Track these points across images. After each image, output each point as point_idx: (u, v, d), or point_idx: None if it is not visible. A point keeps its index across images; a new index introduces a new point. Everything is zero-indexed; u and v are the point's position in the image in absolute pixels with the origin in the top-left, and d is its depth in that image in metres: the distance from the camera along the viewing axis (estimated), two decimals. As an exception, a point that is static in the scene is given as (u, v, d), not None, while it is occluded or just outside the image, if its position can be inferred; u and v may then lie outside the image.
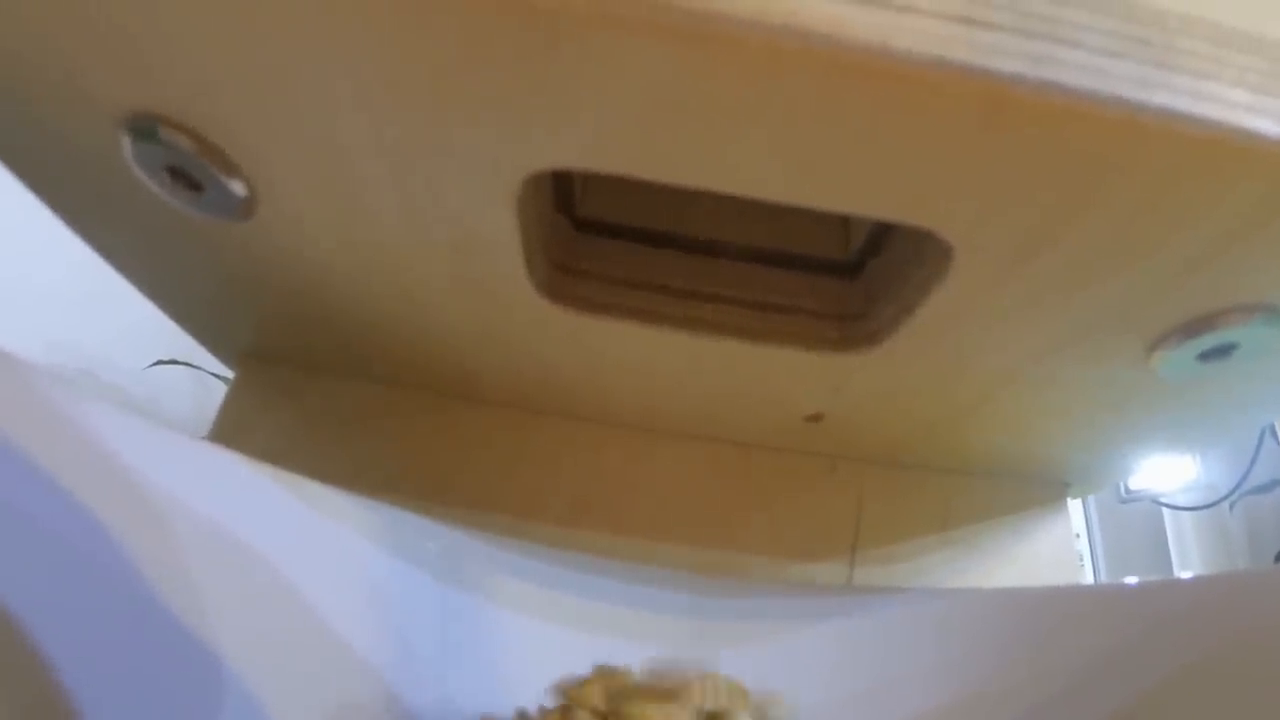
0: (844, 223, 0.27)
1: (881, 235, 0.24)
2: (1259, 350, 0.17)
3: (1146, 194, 0.13)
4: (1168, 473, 0.98)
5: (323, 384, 0.28)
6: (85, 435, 0.14)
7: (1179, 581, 0.20)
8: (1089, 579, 1.10)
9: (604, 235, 0.24)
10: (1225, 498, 0.93)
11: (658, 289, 0.23)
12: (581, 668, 0.18)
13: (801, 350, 0.22)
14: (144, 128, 0.15)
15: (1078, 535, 1.12)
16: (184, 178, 0.16)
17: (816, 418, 0.27)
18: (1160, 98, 0.12)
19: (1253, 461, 0.87)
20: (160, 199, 0.17)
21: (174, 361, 0.81)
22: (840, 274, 0.25)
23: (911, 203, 0.15)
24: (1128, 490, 1.02)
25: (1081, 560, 1.10)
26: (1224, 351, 0.17)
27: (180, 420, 0.93)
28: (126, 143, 0.15)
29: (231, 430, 0.27)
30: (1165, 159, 0.13)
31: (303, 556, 0.18)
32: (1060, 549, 0.29)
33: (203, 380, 0.92)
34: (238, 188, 0.17)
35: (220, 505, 0.16)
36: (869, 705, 0.20)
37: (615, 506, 0.28)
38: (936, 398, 0.24)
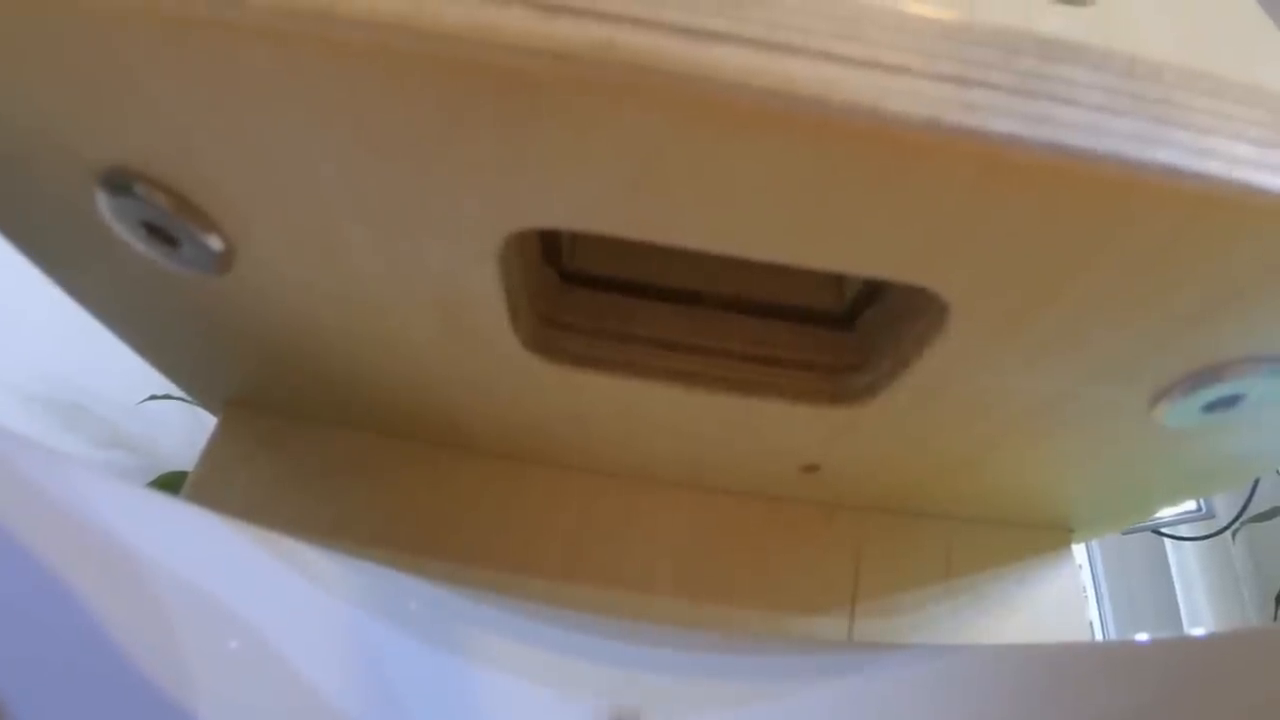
0: (838, 274, 0.26)
1: (876, 287, 0.23)
2: (1266, 400, 0.17)
3: (1148, 252, 0.13)
4: (1178, 502, 0.97)
5: (307, 433, 0.27)
6: (62, 503, 0.14)
7: (1190, 640, 0.19)
8: (1093, 610, 1.09)
9: (592, 287, 0.24)
10: (1227, 527, 0.92)
11: (647, 342, 0.23)
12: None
13: (795, 404, 0.22)
14: (119, 183, 0.14)
15: (1080, 566, 1.11)
16: (160, 232, 0.16)
17: (812, 468, 0.26)
18: (1161, 154, 0.12)
19: (1253, 491, 0.86)
20: (136, 252, 0.17)
21: (167, 396, 0.81)
22: (834, 325, 0.24)
23: (906, 263, 0.15)
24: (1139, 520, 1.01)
25: (1085, 592, 1.09)
26: (1230, 402, 0.17)
27: (173, 455, 0.92)
28: (102, 197, 0.15)
29: (213, 479, 0.26)
30: (1167, 217, 0.12)
31: (285, 620, 0.17)
32: (1066, 596, 0.28)
33: (196, 414, 0.91)
34: (214, 243, 0.16)
35: (202, 568, 0.16)
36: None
37: (608, 559, 0.27)
38: (935, 450, 0.23)
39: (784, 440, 0.24)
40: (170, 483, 0.77)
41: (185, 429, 0.93)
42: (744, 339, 0.23)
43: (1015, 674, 0.21)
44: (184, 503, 0.17)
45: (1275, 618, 0.88)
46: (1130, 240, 0.13)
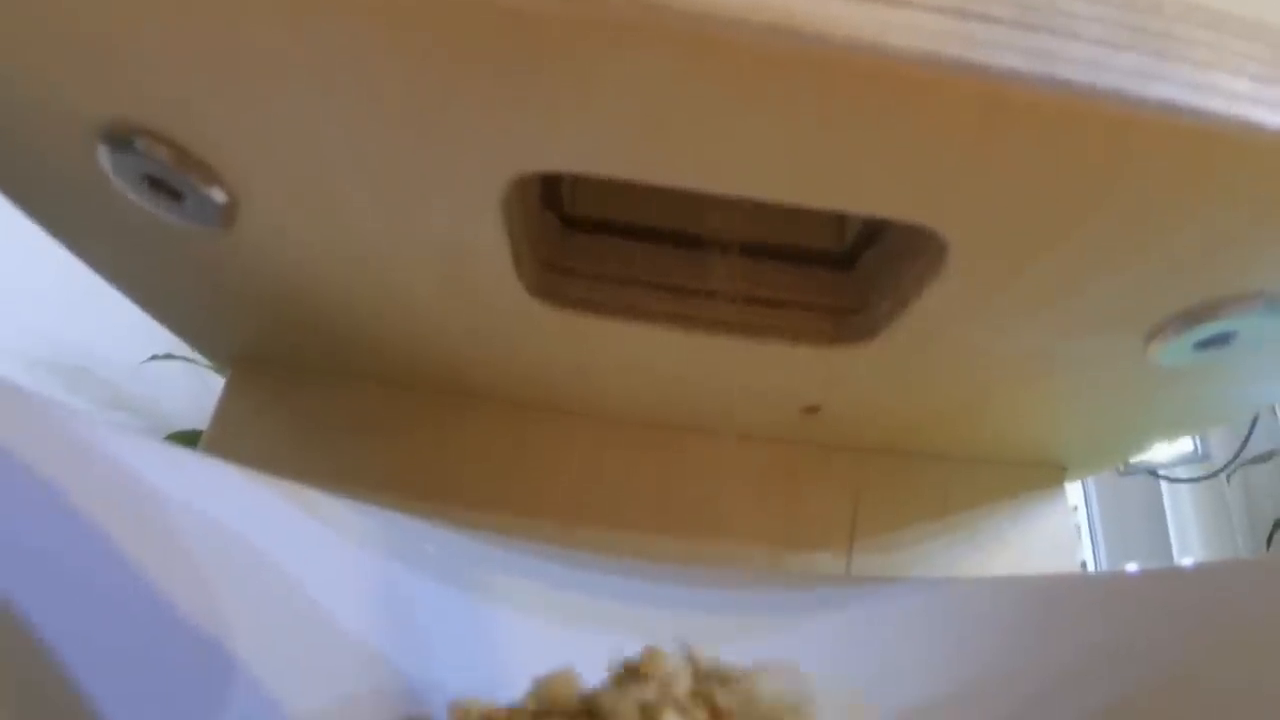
0: (839, 214, 0.26)
1: (877, 226, 0.23)
2: (1258, 338, 0.17)
3: (1148, 189, 0.13)
4: (1165, 445, 0.98)
5: (317, 386, 0.27)
6: (97, 456, 0.14)
7: (1179, 570, 0.20)
8: (1087, 551, 1.11)
9: (593, 232, 0.24)
10: (1222, 469, 0.93)
11: (649, 285, 0.23)
12: (580, 663, 0.18)
13: (796, 345, 0.22)
14: (121, 138, 0.14)
15: (1075, 508, 1.13)
16: (163, 187, 0.16)
17: (813, 410, 0.27)
18: (1160, 90, 0.12)
19: (1250, 433, 0.87)
20: (140, 208, 0.17)
21: (169, 356, 0.81)
22: (835, 266, 0.24)
23: (906, 201, 0.15)
24: (1125, 463, 1.03)
25: (1079, 532, 1.11)
26: (1223, 340, 0.17)
27: (177, 415, 0.93)
28: (104, 153, 0.15)
29: (227, 434, 0.26)
30: (1166, 154, 0.12)
31: (305, 558, 0.18)
32: (1058, 532, 0.29)
33: (199, 374, 0.92)
34: (217, 195, 0.16)
35: (224, 508, 0.16)
36: (870, 696, 0.20)
37: (613, 501, 0.28)
38: (933, 390, 0.24)
39: (785, 382, 0.25)
40: (180, 442, 0.78)
41: (188, 389, 0.94)
42: (745, 281, 0.24)
43: (1008, 604, 0.22)
44: (207, 457, 0.17)
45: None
46: (1129, 175, 0.13)
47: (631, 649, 0.19)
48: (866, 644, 0.22)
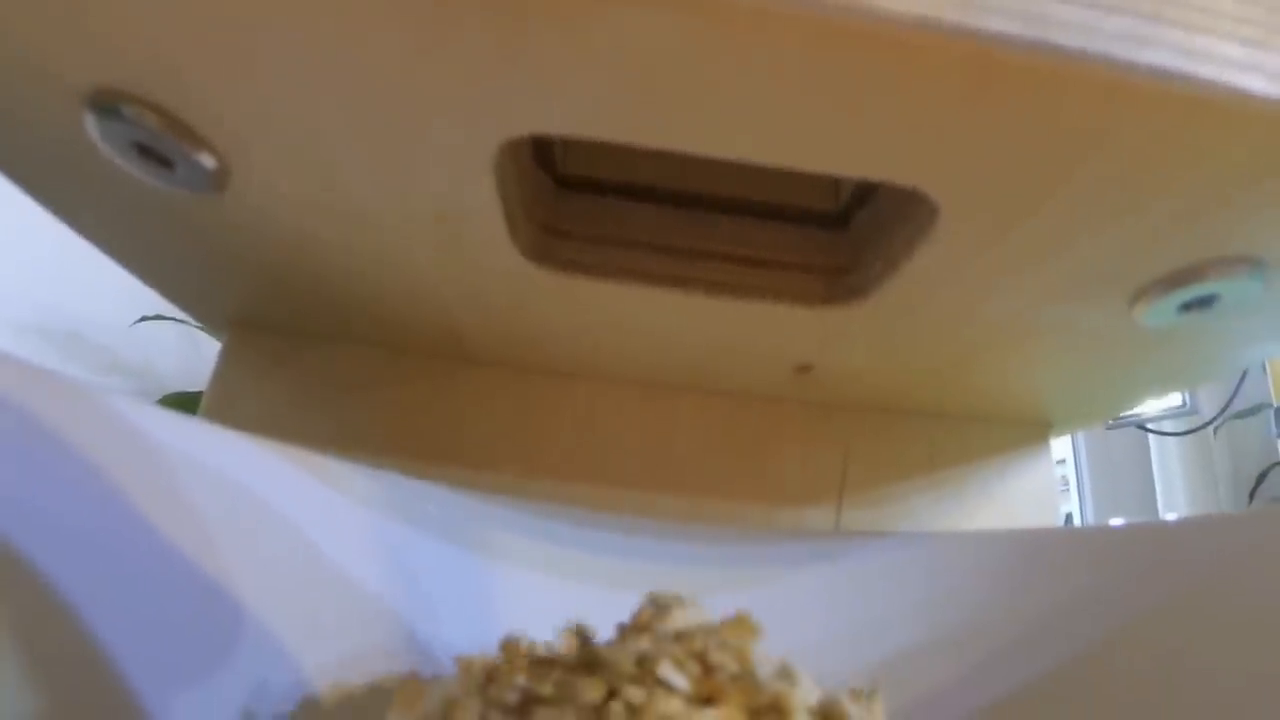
0: (833, 175, 0.26)
1: (870, 187, 0.23)
2: (1241, 301, 0.17)
3: (1135, 152, 0.13)
4: (1153, 399, 0.99)
5: (314, 349, 0.28)
6: (101, 414, 0.15)
7: (1157, 524, 0.21)
8: (1074, 503, 1.13)
9: (587, 191, 0.24)
10: (1209, 423, 0.95)
11: (644, 247, 0.23)
12: (578, 616, 0.18)
13: (790, 306, 0.22)
14: (107, 106, 0.14)
15: (1063, 460, 1.14)
16: (152, 154, 0.16)
17: (805, 369, 0.27)
18: (1151, 56, 0.12)
19: (1237, 387, 0.88)
20: (130, 176, 0.17)
21: (159, 317, 0.81)
22: (829, 226, 0.24)
23: (899, 163, 0.15)
24: (1114, 417, 1.04)
25: (1066, 485, 1.13)
26: (1205, 302, 0.17)
27: (171, 377, 0.93)
28: (91, 121, 0.15)
29: (226, 398, 0.27)
30: (1155, 119, 0.12)
31: (310, 516, 0.18)
32: (1042, 487, 0.30)
33: (190, 335, 0.91)
34: (207, 161, 0.16)
35: (228, 465, 0.17)
36: (854, 645, 0.21)
37: (609, 460, 0.28)
38: (922, 350, 0.24)
39: (778, 342, 0.25)
40: (174, 405, 0.78)
41: (180, 350, 0.94)
42: (740, 242, 0.24)
43: (990, 557, 0.22)
44: (212, 424, 0.18)
45: (1248, 505, 0.92)
46: (1118, 139, 0.13)
47: (628, 602, 0.20)
48: (853, 595, 0.23)
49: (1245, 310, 0.18)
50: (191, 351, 0.93)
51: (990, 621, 0.21)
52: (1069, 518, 1.07)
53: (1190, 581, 0.17)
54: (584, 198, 0.24)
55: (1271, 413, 0.78)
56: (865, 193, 0.24)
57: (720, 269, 0.23)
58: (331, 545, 0.18)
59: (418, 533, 0.21)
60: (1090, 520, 1.09)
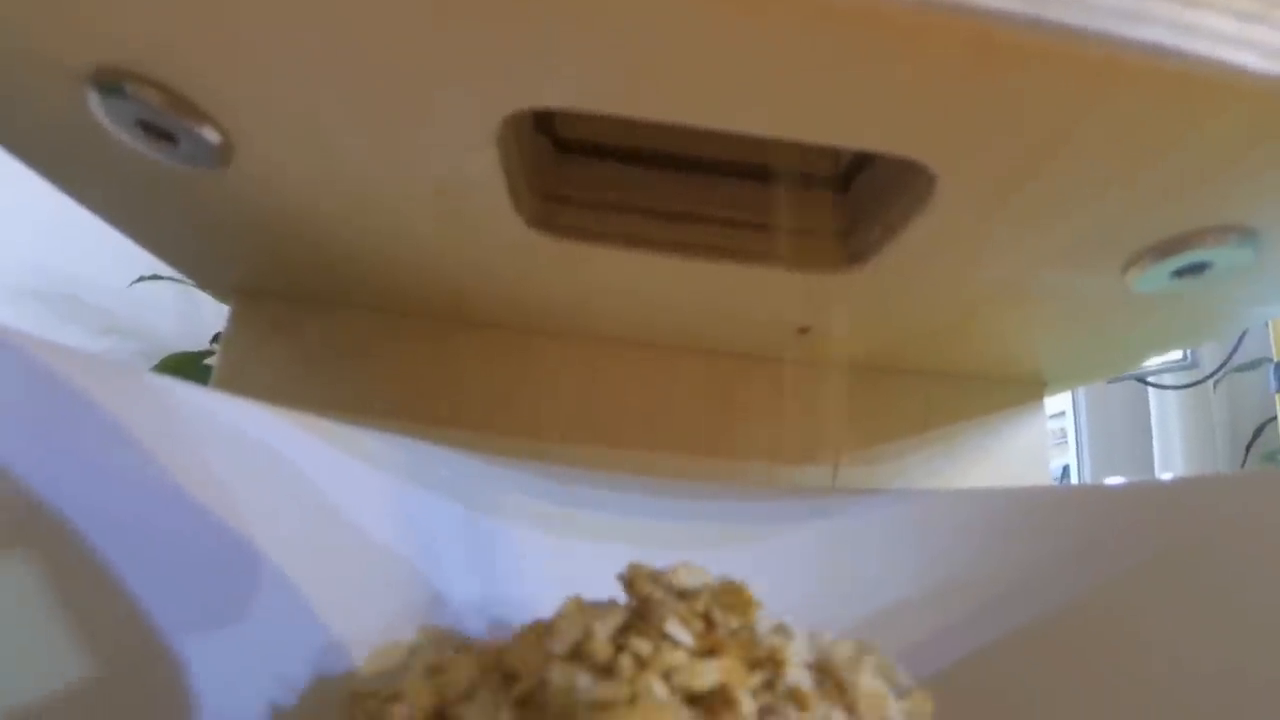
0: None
1: (870, 153, 0.23)
2: (1231, 268, 0.17)
3: (1130, 126, 0.13)
4: (1147, 359, 1.00)
5: (319, 316, 0.28)
6: (140, 390, 0.15)
7: (1145, 484, 0.21)
8: (1072, 456, 1.15)
9: (587, 155, 0.24)
10: (1209, 377, 0.95)
11: (646, 212, 0.23)
12: (587, 574, 0.19)
13: (790, 271, 0.23)
14: (110, 83, 0.14)
15: (1061, 413, 1.15)
16: (155, 130, 0.16)
17: (803, 331, 0.28)
18: (1145, 32, 0.12)
19: (1238, 343, 0.88)
20: (135, 151, 0.17)
21: (156, 277, 0.80)
22: (828, 189, 0.25)
23: (898, 136, 0.15)
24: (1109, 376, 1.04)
25: (1064, 438, 1.14)
26: (1197, 269, 0.17)
27: (171, 337, 0.93)
28: (94, 99, 0.15)
29: (235, 365, 0.27)
30: (1151, 92, 0.13)
31: (327, 476, 0.19)
32: (1034, 445, 0.30)
33: (187, 293, 0.91)
34: (210, 135, 0.16)
35: (248, 425, 0.17)
36: (849, 599, 0.22)
37: (613, 421, 0.29)
38: (919, 314, 0.24)
39: (777, 305, 0.25)
40: (176, 365, 0.78)
41: (179, 310, 0.93)
42: (739, 205, 0.24)
43: (980, 514, 0.23)
44: (233, 395, 0.18)
45: (1243, 465, 0.93)
46: (1112, 115, 0.13)
47: (630, 558, 0.21)
48: (848, 551, 0.24)
49: (1237, 276, 0.18)
50: (190, 311, 0.93)
51: (980, 576, 0.21)
52: (1065, 471, 1.08)
53: (1178, 540, 0.18)
54: (584, 162, 0.24)
55: (1271, 368, 0.78)
56: (865, 157, 0.24)
57: (720, 233, 0.24)
58: (348, 504, 0.19)
59: (432, 495, 0.22)
60: (1087, 473, 1.10)
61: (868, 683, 0.12)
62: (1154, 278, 0.18)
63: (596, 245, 0.22)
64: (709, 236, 0.23)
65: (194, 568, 0.14)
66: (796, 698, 0.09)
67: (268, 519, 0.16)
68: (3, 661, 0.10)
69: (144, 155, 0.17)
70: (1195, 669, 0.15)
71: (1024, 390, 0.31)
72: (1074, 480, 1.08)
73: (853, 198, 0.24)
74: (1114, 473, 1.10)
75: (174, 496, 0.15)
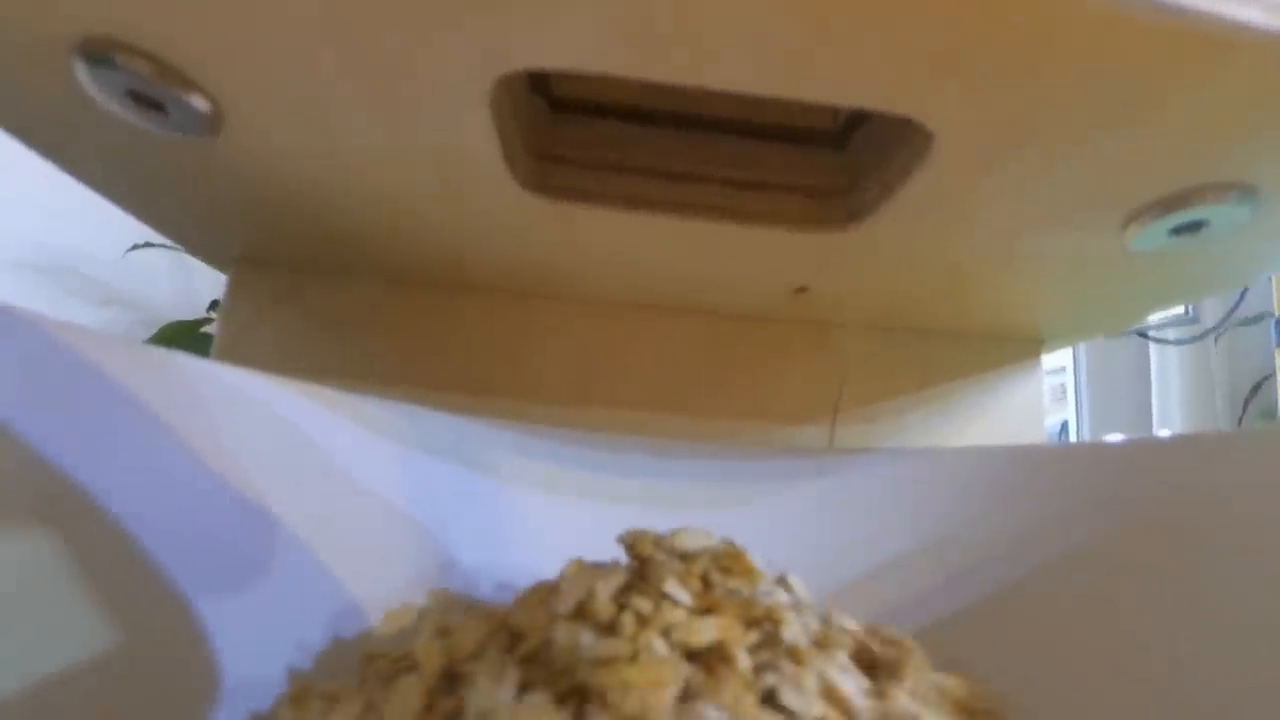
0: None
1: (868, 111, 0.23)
2: (1229, 227, 0.17)
3: (1131, 82, 0.13)
4: (1145, 317, 0.99)
5: (317, 284, 0.28)
6: (160, 367, 0.15)
7: (1141, 442, 0.21)
8: (1071, 411, 1.15)
9: (584, 115, 0.24)
10: (1211, 331, 0.95)
11: (642, 172, 0.23)
12: (589, 535, 0.20)
13: (788, 230, 0.23)
14: (98, 54, 0.14)
15: (1063, 368, 1.15)
16: (145, 100, 0.16)
17: (801, 290, 0.28)
18: (1148, -15, 0.11)
19: (1240, 298, 0.88)
20: (126, 122, 0.17)
21: (149, 244, 0.80)
22: (826, 146, 0.24)
23: (894, 95, 0.15)
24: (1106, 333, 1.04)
25: (1064, 393, 1.15)
26: (1195, 227, 0.17)
27: (165, 305, 0.93)
28: (81, 70, 0.15)
29: (236, 337, 0.27)
30: (1151, 50, 0.12)
31: (335, 444, 0.19)
32: (1030, 402, 0.31)
33: (182, 261, 0.91)
34: (199, 103, 0.16)
35: (251, 385, 0.18)
36: (846, 556, 0.23)
37: (612, 382, 0.29)
38: (917, 272, 0.24)
39: (776, 265, 0.25)
40: (174, 334, 0.78)
41: (174, 278, 0.93)
42: (736, 164, 0.24)
43: (977, 472, 0.24)
44: (245, 369, 0.18)
45: (1240, 421, 0.94)
46: (1114, 70, 0.13)
47: (631, 518, 0.21)
48: (844, 509, 0.24)
49: (1235, 235, 0.18)
50: (184, 279, 0.93)
51: (978, 531, 0.22)
52: (1064, 426, 1.09)
53: (1175, 498, 0.18)
54: (580, 121, 0.24)
55: (1272, 322, 0.78)
56: (863, 113, 0.23)
57: (717, 193, 0.23)
58: (359, 476, 0.19)
59: (436, 461, 0.22)
60: (1086, 428, 1.11)
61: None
62: (1152, 236, 0.18)
63: (593, 207, 0.22)
64: (706, 196, 0.23)
65: (211, 534, 0.15)
66: (793, 654, 0.10)
67: (281, 487, 0.17)
68: (32, 630, 0.11)
69: (134, 126, 0.17)
70: (1190, 623, 0.15)
71: (1021, 348, 0.31)
72: (1073, 436, 1.09)
73: (851, 155, 0.24)
74: (1113, 428, 1.11)
75: (189, 467, 0.15)
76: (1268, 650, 0.13)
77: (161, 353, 0.15)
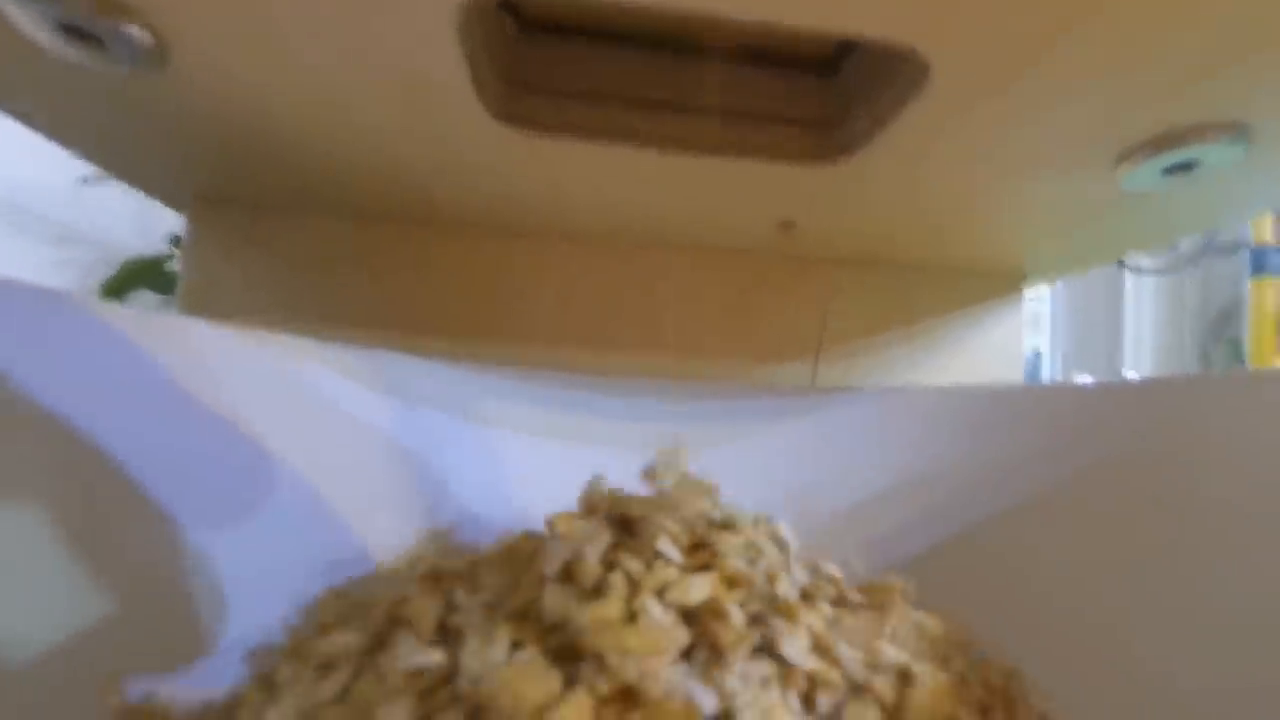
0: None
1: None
2: (1221, 166, 0.17)
3: (1128, 17, 0.13)
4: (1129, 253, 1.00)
5: (285, 224, 0.27)
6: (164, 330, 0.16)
7: (1113, 385, 0.22)
8: (1045, 338, 1.17)
9: (557, 36, 0.22)
10: (1187, 260, 0.95)
11: (619, 101, 0.22)
12: (572, 478, 0.20)
13: (776, 163, 0.22)
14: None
15: (1037, 295, 1.17)
16: (80, 33, 0.14)
17: (788, 225, 0.27)
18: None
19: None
20: (67, 59, 0.15)
21: (101, 178, 0.76)
22: (816, 73, 0.23)
23: (893, 23, 0.14)
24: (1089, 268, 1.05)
25: (1038, 321, 1.17)
26: (1187, 167, 0.17)
27: (123, 240, 0.89)
28: (11, 7, 0.13)
29: (202, 279, 0.26)
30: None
31: (325, 391, 0.19)
32: (1009, 338, 0.31)
33: (141, 197, 0.87)
34: (138, 35, 0.15)
35: (246, 339, 0.18)
36: (827, 492, 0.23)
37: (592, 321, 0.29)
38: (907, 207, 0.24)
39: (762, 199, 0.25)
40: (137, 272, 0.76)
41: (130, 212, 0.89)
42: (721, 92, 0.23)
43: (954, 411, 0.24)
44: (232, 325, 0.18)
45: (1206, 351, 0.96)
46: (1114, 6, 0.12)
47: (610, 458, 0.21)
48: (825, 447, 0.25)
49: (1226, 175, 0.18)
50: (141, 212, 0.89)
51: (954, 468, 0.22)
52: (1038, 353, 1.11)
53: (1142, 438, 0.19)
54: (552, 44, 0.22)
55: (1247, 253, 0.78)
56: (855, 40, 0.22)
57: (701, 124, 0.22)
58: (346, 427, 0.19)
59: (420, 409, 0.22)
60: (1059, 354, 1.13)
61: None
62: (1144, 175, 0.18)
63: (569, 140, 0.21)
64: (688, 128, 0.22)
65: (213, 474, 0.15)
66: (784, 610, 0.10)
67: (278, 433, 0.17)
68: (51, 575, 0.11)
69: (72, 61, 0.15)
70: (1154, 555, 0.16)
71: (1003, 283, 0.31)
72: (1045, 363, 1.11)
73: (840, 84, 0.23)
74: (1086, 355, 1.13)
75: (190, 413, 0.15)
76: (1230, 582, 0.14)
77: (163, 315, 0.16)
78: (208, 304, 0.26)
